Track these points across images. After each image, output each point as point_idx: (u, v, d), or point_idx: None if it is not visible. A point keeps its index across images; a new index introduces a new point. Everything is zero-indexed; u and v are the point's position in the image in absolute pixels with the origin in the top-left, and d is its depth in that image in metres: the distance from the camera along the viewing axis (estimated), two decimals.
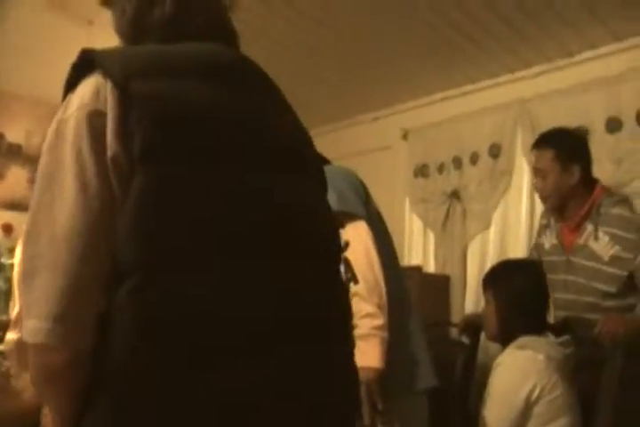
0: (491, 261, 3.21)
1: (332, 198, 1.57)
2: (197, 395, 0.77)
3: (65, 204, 0.78)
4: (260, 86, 0.99)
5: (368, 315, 1.56)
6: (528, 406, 1.83)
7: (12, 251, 2.64)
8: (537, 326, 1.99)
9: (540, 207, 2.91)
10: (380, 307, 1.58)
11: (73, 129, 0.80)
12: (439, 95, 3.81)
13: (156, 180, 0.78)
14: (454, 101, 3.74)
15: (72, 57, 0.88)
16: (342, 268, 1.56)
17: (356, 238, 1.63)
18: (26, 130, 3.25)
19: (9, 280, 2.61)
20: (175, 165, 0.80)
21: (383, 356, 1.55)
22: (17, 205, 3.12)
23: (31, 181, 3.11)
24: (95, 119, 0.80)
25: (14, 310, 2.54)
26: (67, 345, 0.77)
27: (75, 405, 0.80)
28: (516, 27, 2.97)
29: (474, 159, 3.61)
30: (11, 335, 2.48)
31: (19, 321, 2.50)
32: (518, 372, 1.88)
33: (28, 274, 0.79)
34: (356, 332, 1.45)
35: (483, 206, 3.53)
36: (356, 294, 1.58)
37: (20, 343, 2.46)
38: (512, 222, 3.43)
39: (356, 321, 1.50)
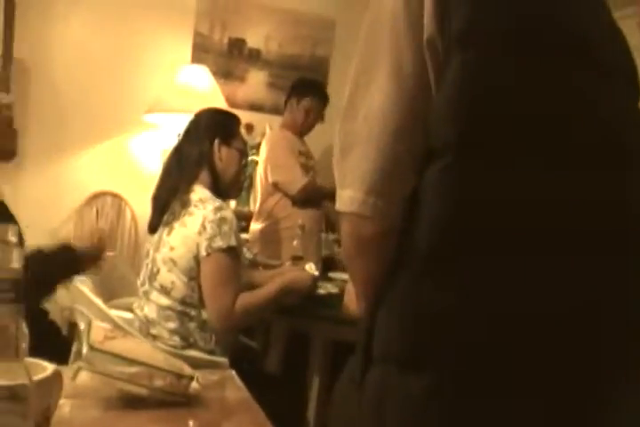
0: None
1: None
2: (502, 282, 0.76)
3: (380, 83, 0.80)
4: None
5: None
6: None
7: (253, 148, 2.83)
8: None
9: None
10: None
11: (390, 12, 0.81)
12: None
13: (474, 62, 0.76)
14: None
15: None
16: None
17: None
18: (265, 35, 3.40)
19: (250, 176, 2.83)
20: (494, 50, 0.77)
21: None
22: (257, 106, 3.35)
23: (269, 84, 3.28)
24: (413, 2, 0.79)
25: (257, 203, 2.77)
26: (378, 217, 0.80)
27: (379, 278, 0.84)
28: None
29: None
30: (255, 225, 2.71)
31: (261, 213, 2.72)
32: None
33: (344, 148, 0.83)
34: None
35: None
36: None
37: (263, 232, 2.69)
38: None
39: None
